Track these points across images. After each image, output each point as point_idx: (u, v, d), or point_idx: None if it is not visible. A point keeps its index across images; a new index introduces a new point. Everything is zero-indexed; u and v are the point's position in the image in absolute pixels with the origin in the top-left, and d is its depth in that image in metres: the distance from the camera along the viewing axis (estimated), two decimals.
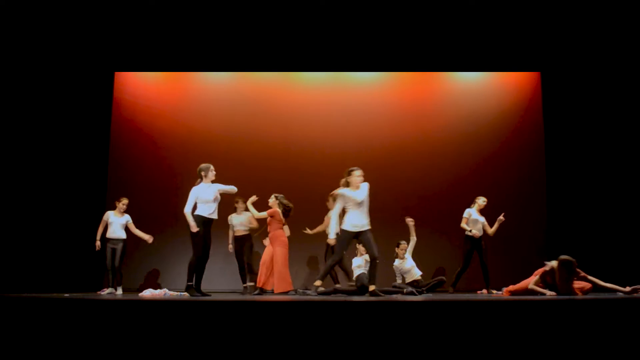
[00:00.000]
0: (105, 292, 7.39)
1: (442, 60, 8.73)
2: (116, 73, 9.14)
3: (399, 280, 7.46)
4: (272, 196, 7.44)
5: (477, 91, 9.29)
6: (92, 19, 7.88)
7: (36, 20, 7.81)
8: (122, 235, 7.47)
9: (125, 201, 7.55)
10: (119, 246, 7.43)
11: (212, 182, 6.28)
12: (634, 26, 7.85)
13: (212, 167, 6.32)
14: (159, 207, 8.80)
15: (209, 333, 4.40)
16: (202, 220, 6.11)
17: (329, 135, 9.14)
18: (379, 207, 8.77)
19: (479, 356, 4.27)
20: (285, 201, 7.41)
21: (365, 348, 4.30)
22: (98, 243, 7.46)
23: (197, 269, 6.19)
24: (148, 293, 6.85)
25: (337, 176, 8.97)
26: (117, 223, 7.45)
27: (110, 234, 7.44)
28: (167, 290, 7.09)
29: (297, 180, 8.83)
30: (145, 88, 9.31)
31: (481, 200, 7.63)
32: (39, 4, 7.61)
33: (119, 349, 4.37)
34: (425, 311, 4.51)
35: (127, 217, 7.55)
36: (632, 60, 8.12)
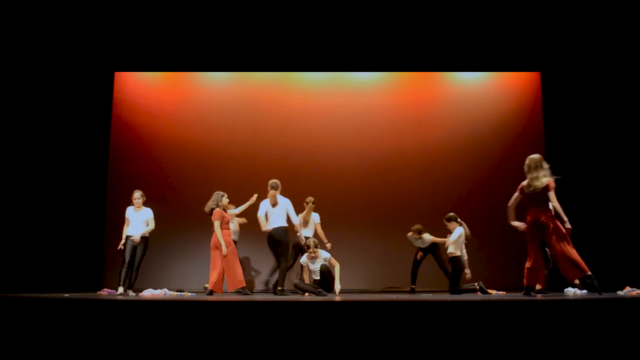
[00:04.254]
0: (117, 292, 6.81)
1: (442, 60, 8.72)
2: (116, 73, 9.14)
3: None
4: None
5: (478, 92, 9.28)
6: (92, 19, 7.88)
7: (36, 20, 7.81)
8: (141, 231, 6.87)
9: (135, 195, 6.92)
10: (140, 244, 6.88)
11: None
12: (634, 26, 7.85)
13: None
14: (159, 207, 8.74)
15: (209, 333, 4.40)
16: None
17: (329, 136, 9.13)
18: (379, 209, 8.86)
19: (479, 356, 4.27)
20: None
21: (364, 348, 4.30)
22: (121, 243, 6.91)
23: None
24: (148, 293, 6.84)
25: (336, 177, 9.07)
26: (135, 219, 6.92)
27: (129, 231, 6.89)
28: (167, 290, 7.07)
29: (296, 182, 8.81)
30: (145, 88, 9.30)
31: None
32: (38, 4, 7.60)
33: (119, 349, 4.37)
34: (425, 311, 4.51)
35: (147, 212, 7.00)
36: (632, 60, 8.11)
